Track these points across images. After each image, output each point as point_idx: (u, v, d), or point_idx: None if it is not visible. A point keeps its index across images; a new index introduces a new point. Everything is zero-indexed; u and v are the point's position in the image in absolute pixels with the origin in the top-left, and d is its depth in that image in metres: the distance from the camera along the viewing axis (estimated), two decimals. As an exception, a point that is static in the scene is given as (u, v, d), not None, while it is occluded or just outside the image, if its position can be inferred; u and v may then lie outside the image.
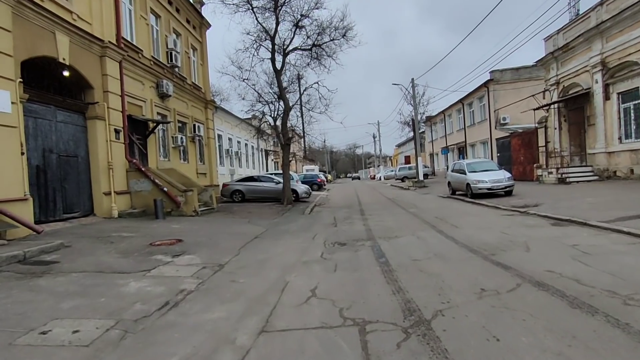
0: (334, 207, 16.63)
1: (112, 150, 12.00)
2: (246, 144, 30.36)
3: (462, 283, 4.63)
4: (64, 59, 10.22)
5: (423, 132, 44.73)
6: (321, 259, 6.49)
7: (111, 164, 11.80)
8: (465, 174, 16.27)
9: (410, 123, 32.93)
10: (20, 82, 8.76)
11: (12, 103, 8.45)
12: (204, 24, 21.43)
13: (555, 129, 20.00)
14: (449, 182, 18.82)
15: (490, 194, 15.16)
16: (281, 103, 18.19)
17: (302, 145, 51.40)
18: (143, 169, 12.72)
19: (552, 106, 19.93)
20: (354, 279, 5.14)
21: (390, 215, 12.53)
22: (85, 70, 11.19)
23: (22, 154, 8.70)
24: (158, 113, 15.64)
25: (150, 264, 6.22)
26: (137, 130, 14.13)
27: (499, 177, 15.34)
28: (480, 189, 15.17)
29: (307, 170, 45.41)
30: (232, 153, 26.18)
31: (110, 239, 8.26)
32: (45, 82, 10.29)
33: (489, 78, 28.38)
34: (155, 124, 14.76)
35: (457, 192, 18.07)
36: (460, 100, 34.66)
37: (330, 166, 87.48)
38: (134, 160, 12.80)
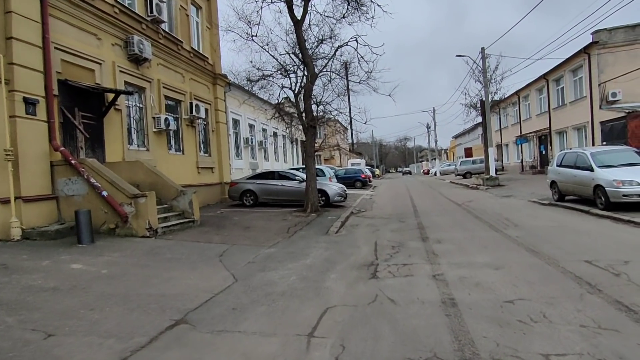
0: (377, 218, 11.22)
1: (18, 131, 7.51)
2: (275, 133, 25.35)
3: None
4: None
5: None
6: None
7: (10, 154, 7.27)
8: (592, 170, 10.13)
9: (478, 105, 26.28)
10: None
11: None
12: (212, -23, 16.71)
13: None
14: (552, 182, 12.65)
15: (641, 203, 9.03)
16: (305, 70, 12.97)
17: (349, 134, 45.43)
18: (73, 161, 8.12)
19: None
20: None
21: (479, 245, 6.94)
22: (-43, -3, 6.72)
23: None
24: (127, 82, 11.06)
25: None
26: (85, 105, 9.59)
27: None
28: (627, 195, 9.03)
29: (351, 165, 39.84)
30: (254, 143, 21.34)
31: None
32: None
33: (590, 41, 21.19)
34: (114, 96, 10.14)
35: (566, 198, 11.98)
36: (544, 76, 27.32)
37: (379, 160, 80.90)
38: (62, 149, 8.24)
